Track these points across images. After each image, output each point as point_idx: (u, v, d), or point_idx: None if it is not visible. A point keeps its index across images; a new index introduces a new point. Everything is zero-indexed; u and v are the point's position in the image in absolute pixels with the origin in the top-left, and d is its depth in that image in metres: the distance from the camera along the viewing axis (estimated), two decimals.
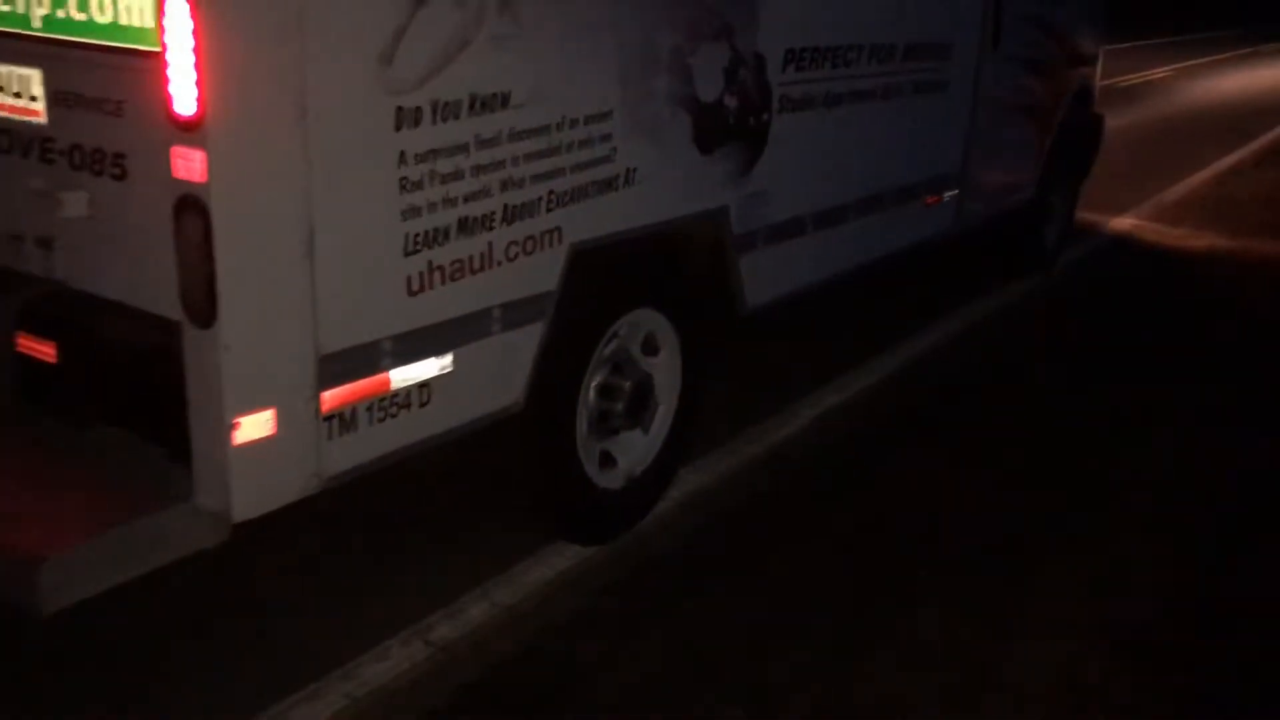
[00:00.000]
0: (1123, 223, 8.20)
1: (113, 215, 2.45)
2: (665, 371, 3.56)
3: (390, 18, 2.34)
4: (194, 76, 2.05)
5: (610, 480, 3.44)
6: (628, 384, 3.39)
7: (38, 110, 2.52)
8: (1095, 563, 3.46)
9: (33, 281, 2.65)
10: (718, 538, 3.53)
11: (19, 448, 2.58)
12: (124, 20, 2.27)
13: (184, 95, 2.07)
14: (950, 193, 5.14)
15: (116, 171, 2.41)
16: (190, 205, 2.12)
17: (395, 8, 2.35)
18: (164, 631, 2.85)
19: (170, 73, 2.07)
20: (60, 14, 2.38)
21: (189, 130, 2.09)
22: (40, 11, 2.42)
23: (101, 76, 2.36)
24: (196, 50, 2.04)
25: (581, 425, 3.26)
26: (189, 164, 2.10)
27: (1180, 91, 16.38)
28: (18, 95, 2.55)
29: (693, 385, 3.65)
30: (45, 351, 2.61)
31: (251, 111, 2.13)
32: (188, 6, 2.02)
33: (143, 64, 2.25)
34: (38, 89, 2.50)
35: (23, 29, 2.47)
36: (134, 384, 2.49)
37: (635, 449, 3.53)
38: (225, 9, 2.05)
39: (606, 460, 3.44)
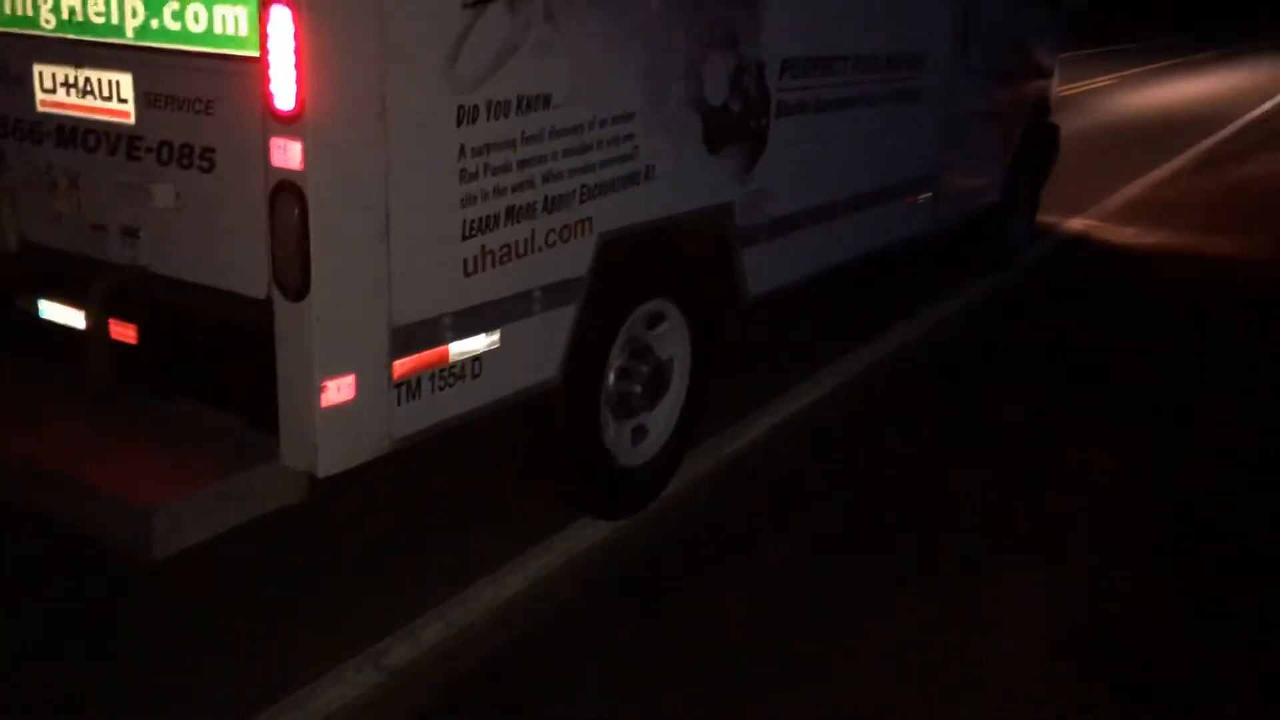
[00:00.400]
0: (1077, 224, 8.64)
1: (199, 205, 2.72)
2: (677, 357, 3.86)
3: (454, 26, 2.63)
4: (294, 76, 2.32)
5: (630, 458, 3.73)
6: (645, 368, 3.68)
7: (126, 112, 2.78)
8: (1040, 564, 3.57)
9: (116, 269, 2.90)
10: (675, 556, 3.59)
11: (114, 418, 2.82)
12: (218, 29, 2.54)
13: (284, 93, 2.34)
14: (926, 194, 5.50)
15: (204, 165, 2.68)
16: (288, 190, 2.39)
17: (458, 17, 2.64)
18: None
19: (272, 73, 2.34)
20: (154, 23, 2.65)
21: (288, 123, 2.36)
22: (134, 21, 2.68)
23: (192, 79, 2.63)
24: (297, 53, 2.31)
25: (605, 404, 3.55)
26: (287, 154, 2.37)
27: (1119, 100, 17.00)
28: (107, 98, 2.81)
29: (701, 371, 3.95)
30: (131, 333, 2.85)
31: (340, 108, 2.40)
32: (291, 16, 2.29)
33: (236, 67, 2.52)
34: (128, 92, 2.76)
35: (116, 38, 2.73)
36: (219, 357, 2.74)
37: (652, 429, 3.82)
38: (320, 20, 2.32)
39: (628, 439, 3.73)
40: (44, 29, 2.87)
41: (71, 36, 2.82)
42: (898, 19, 4.88)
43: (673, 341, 3.83)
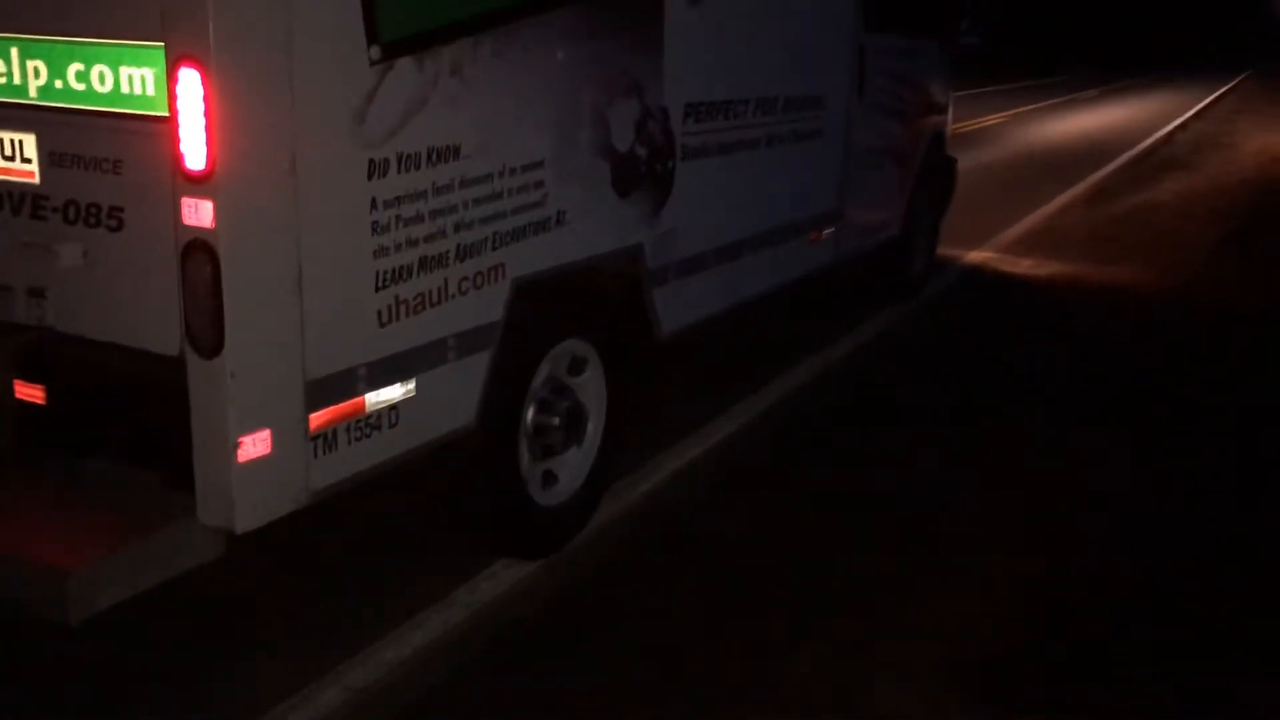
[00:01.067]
0: (976, 255, 8.94)
1: (108, 263, 2.71)
2: (593, 396, 3.92)
3: (363, 82, 2.68)
4: (204, 136, 2.34)
5: (549, 498, 3.77)
6: (562, 408, 3.74)
7: (30, 172, 2.77)
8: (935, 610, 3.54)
9: (22, 330, 2.86)
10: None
11: (25, 480, 2.78)
12: (125, 89, 2.55)
13: (195, 152, 2.36)
14: (828, 229, 5.67)
15: (113, 223, 2.67)
16: (200, 248, 2.40)
17: (367, 74, 2.69)
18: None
19: (181, 133, 2.36)
20: (58, 84, 2.65)
21: (199, 183, 2.38)
22: (37, 82, 2.68)
23: (99, 138, 2.63)
24: (206, 114, 2.33)
25: (523, 446, 3.59)
26: (198, 212, 2.39)
27: (1011, 137, 17.63)
28: (10, 158, 2.79)
29: (617, 408, 4.02)
30: (39, 394, 2.82)
31: (251, 166, 2.43)
32: (200, 77, 2.32)
33: (143, 126, 2.54)
34: (31, 152, 2.75)
35: (19, 98, 2.72)
36: (132, 416, 2.73)
37: (570, 468, 3.87)
38: (229, 80, 2.35)
39: (546, 480, 3.77)
40: None
41: None
42: (795, 62, 5.05)
43: (589, 381, 3.90)
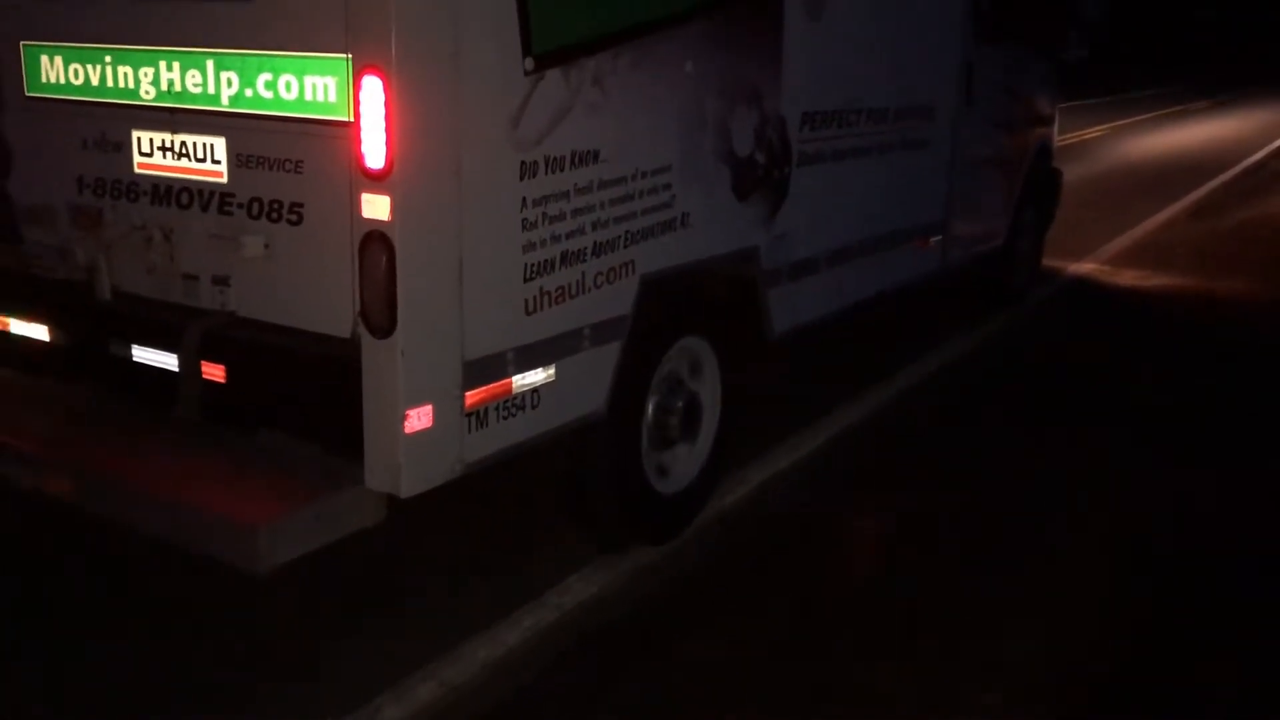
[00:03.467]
0: (1081, 267, 8.93)
1: (287, 254, 3.01)
2: (708, 392, 4.13)
3: (518, 91, 2.94)
4: (383, 138, 2.62)
5: (667, 486, 3.98)
6: (680, 401, 3.95)
7: (219, 172, 3.08)
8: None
9: (207, 314, 3.18)
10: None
11: (210, 449, 3.09)
12: (309, 97, 2.84)
13: (374, 153, 2.64)
14: (936, 237, 5.80)
15: (294, 218, 2.97)
16: (377, 239, 2.68)
17: (521, 84, 2.94)
18: None
19: (364, 135, 2.64)
20: (248, 92, 2.95)
21: (378, 180, 2.65)
22: (228, 91, 2.99)
23: (283, 141, 2.93)
24: (386, 119, 2.61)
25: (644, 436, 3.81)
26: (376, 207, 2.66)
27: (1112, 150, 17.36)
28: (201, 160, 3.11)
29: (729, 405, 4.22)
30: (220, 373, 3.13)
31: (423, 165, 2.70)
32: (382, 85, 2.59)
33: (325, 130, 2.82)
34: (221, 154, 3.06)
35: (212, 106, 3.03)
36: (305, 392, 3.01)
37: (683, 461, 4.08)
38: (406, 88, 2.62)
39: (661, 471, 3.98)
40: (143, 99, 3.18)
41: (169, 105, 3.13)
42: (906, 73, 5.21)
43: (705, 377, 4.10)
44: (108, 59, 3.22)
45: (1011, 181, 6.84)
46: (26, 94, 3.45)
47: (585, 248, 3.29)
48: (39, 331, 3.56)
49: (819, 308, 4.77)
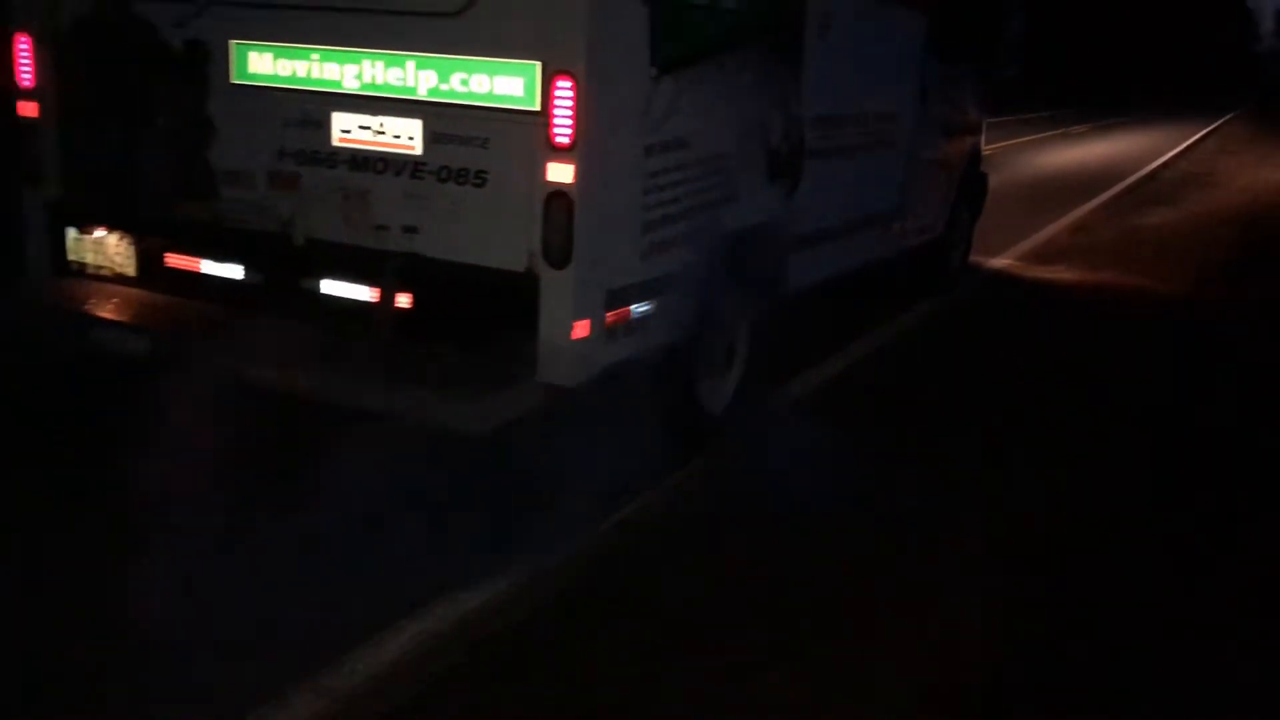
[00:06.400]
0: (999, 262, 10.29)
1: (471, 208, 3.99)
2: (742, 335, 5.22)
3: (647, 90, 3.99)
4: (570, 123, 3.65)
5: (711, 406, 5.06)
6: (724, 340, 5.03)
7: (413, 146, 4.05)
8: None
9: (396, 255, 4.14)
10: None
11: (409, 358, 4.05)
12: (499, 91, 3.84)
13: (562, 133, 3.66)
14: (897, 223, 7.01)
15: (478, 182, 3.96)
16: (561, 195, 3.70)
17: (648, 85, 4.00)
18: None
19: (555, 119, 3.66)
20: (444, 86, 3.94)
21: (564, 152, 3.68)
22: (427, 84, 3.97)
23: (473, 123, 3.92)
24: (573, 107, 3.64)
25: (701, 363, 4.88)
26: (562, 172, 3.69)
27: (1016, 163, 19.05)
28: (398, 137, 4.08)
29: (758, 345, 5.31)
30: (409, 300, 4.09)
31: (593, 143, 3.73)
32: (571, 85, 3.63)
33: (511, 115, 3.82)
34: (416, 133, 4.04)
35: (410, 95, 4.01)
36: (482, 312, 4.00)
37: (721, 387, 5.16)
38: (587, 87, 3.65)
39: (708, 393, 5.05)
40: (346, 88, 4.13)
41: (370, 94, 4.09)
42: (881, 83, 6.40)
43: (741, 322, 5.19)
44: (315, 56, 4.16)
45: (950, 180, 8.11)
46: (232, 81, 4.36)
47: (678, 212, 4.35)
48: (233, 271, 4.47)
49: (817, 273, 5.91)
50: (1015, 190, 15.68)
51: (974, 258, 9.81)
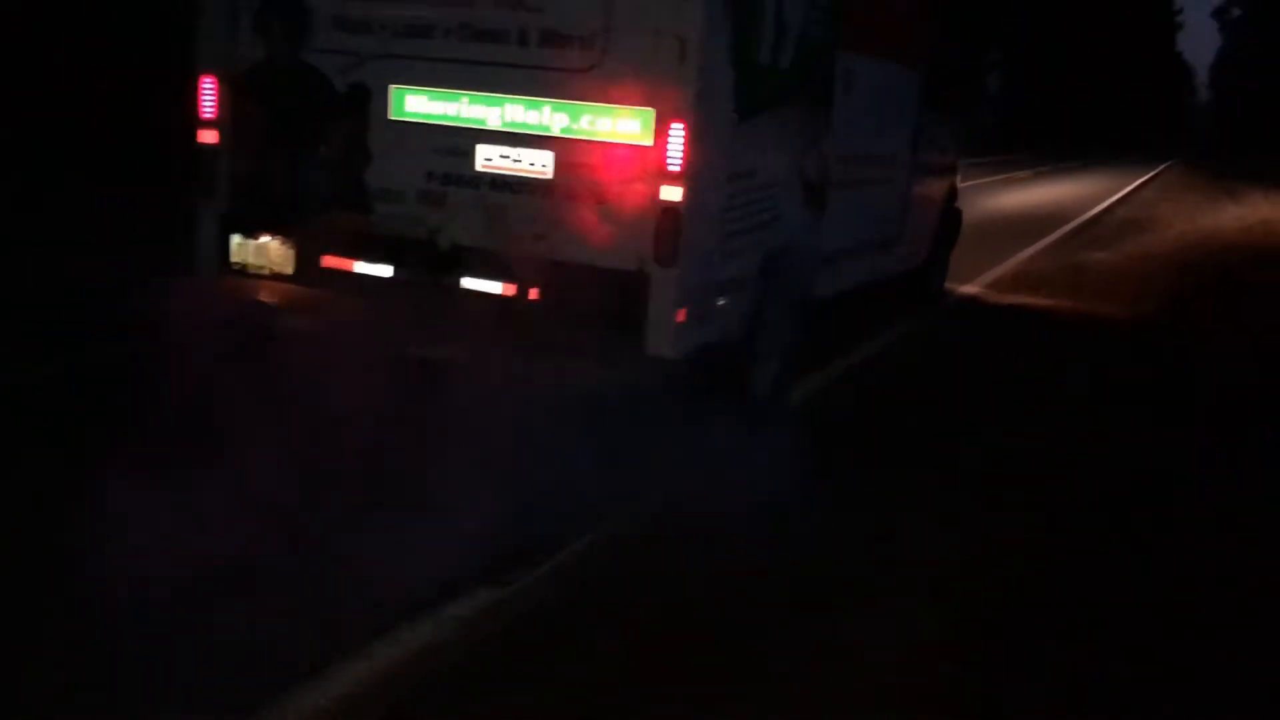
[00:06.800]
0: (968, 289, 11.57)
1: (592, 220, 5.10)
2: (779, 332, 6.35)
3: (732, 131, 5.15)
4: (681, 155, 4.78)
5: (757, 389, 6.18)
6: (769, 333, 6.17)
7: (546, 172, 5.16)
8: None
9: (529, 258, 5.22)
10: None
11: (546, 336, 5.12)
12: (620, 130, 4.97)
13: (674, 162, 4.80)
14: (894, 248, 8.23)
15: (598, 200, 5.07)
16: (671, 209, 4.83)
17: (733, 126, 5.15)
18: None
19: (668, 152, 4.79)
20: (574, 126, 5.05)
21: (675, 178, 4.81)
22: (559, 125, 5.08)
23: (597, 154, 5.03)
24: (684, 145, 4.77)
25: (752, 352, 6.01)
26: (673, 192, 4.82)
27: (972, 204, 20.48)
28: (532, 165, 5.18)
29: (791, 342, 6.44)
30: (536, 294, 5.17)
31: (696, 169, 4.86)
32: (683, 127, 4.76)
33: (627, 149, 4.94)
34: (549, 162, 5.14)
35: (544, 132, 5.12)
36: (600, 300, 5.07)
37: (763, 374, 6.28)
38: (693, 127, 4.79)
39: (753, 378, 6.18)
40: (490, 125, 5.22)
41: (511, 130, 5.19)
42: (886, 129, 7.63)
43: (782, 322, 6.33)
44: (464, 99, 5.26)
45: (934, 213, 9.38)
46: (389, 118, 5.43)
47: (744, 228, 5.50)
48: (383, 270, 5.51)
49: (835, 286, 7.09)
50: (973, 230, 17.07)
51: (948, 284, 11.10)
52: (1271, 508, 5.69)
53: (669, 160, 4.83)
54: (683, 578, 4.25)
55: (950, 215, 9.97)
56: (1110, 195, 25.20)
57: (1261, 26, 45.36)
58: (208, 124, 5.78)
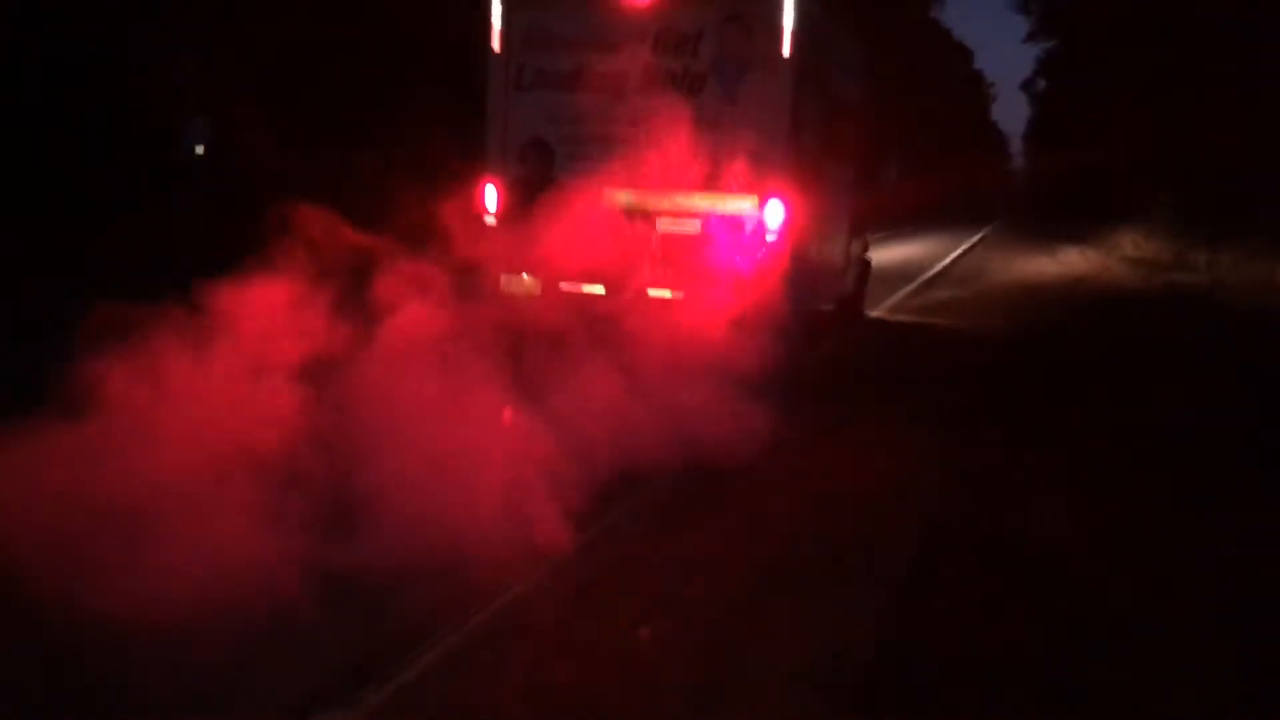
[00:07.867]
0: (875, 313, 16.47)
1: (727, 249, 9.63)
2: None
3: (799, 204, 9.82)
4: (781, 221, 9.40)
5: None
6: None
7: (696, 230, 9.69)
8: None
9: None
10: None
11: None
12: (741, 206, 9.56)
13: (773, 222, 9.40)
14: (844, 280, 13.07)
15: (730, 247, 9.61)
16: (774, 246, 9.41)
17: (800, 201, 9.83)
18: None
19: (767, 217, 9.40)
20: (715, 207, 9.62)
21: (774, 231, 9.41)
22: (704, 207, 9.64)
23: (730, 219, 9.59)
24: (784, 215, 9.41)
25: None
26: (775, 236, 9.42)
27: None
28: (689, 227, 9.70)
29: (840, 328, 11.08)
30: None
31: (789, 226, 9.47)
32: (781, 203, 9.40)
33: (748, 216, 9.54)
34: (697, 225, 9.68)
35: (696, 209, 9.66)
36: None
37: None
38: (783, 203, 9.43)
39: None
40: (662, 208, 9.73)
41: (674, 210, 9.70)
42: (844, 196, 12.49)
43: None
44: (649, 198, 9.75)
45: (859, 255, 14.29)
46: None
47: (817, 266, 10.17)
48: (598, 290, 9.85)
49: (819, 300, 11.83)
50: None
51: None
52: (1059, 427, 10.55)
53: (767, 223, 9.43)
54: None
55: (866, 262, 14.94)
56: (949, 253, 30.83)
57: (1066, 98, 52.71)
58: (488, 213, 10.09)
